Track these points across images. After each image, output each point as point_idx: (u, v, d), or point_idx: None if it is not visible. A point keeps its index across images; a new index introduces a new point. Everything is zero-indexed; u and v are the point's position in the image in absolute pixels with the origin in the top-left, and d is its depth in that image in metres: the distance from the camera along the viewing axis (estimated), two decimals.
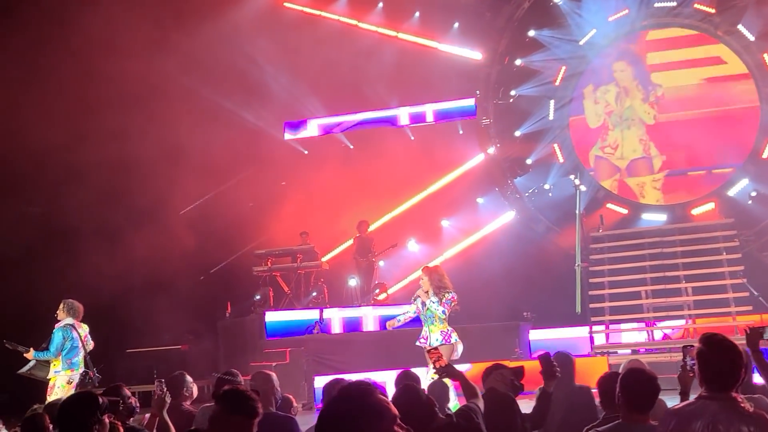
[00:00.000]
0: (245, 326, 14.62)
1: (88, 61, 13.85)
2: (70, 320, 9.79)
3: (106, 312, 14.29)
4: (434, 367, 5.01)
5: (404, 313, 9.62)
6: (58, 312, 9.85)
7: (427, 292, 9.22)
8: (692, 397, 3.71)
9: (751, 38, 15.63)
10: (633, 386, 4.03)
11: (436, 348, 5.00)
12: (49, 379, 9.68)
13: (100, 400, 4.07)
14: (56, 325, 9.80)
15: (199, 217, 15.98)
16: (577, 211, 14.46)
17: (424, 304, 9.21)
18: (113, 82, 14.02)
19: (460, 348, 9.01)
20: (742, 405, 3.47)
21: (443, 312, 9.10)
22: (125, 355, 14.89)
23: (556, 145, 17.12)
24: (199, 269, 15.85)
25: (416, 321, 9.45)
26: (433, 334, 9.06)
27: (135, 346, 15.06)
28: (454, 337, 9.05)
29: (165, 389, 5.50)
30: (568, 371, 6.32)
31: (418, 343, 9.19)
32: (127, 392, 5.47)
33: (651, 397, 4.03)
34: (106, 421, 4.11)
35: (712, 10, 15.88)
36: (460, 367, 5.93)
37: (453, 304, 9.23)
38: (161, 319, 14.53)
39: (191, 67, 15.56)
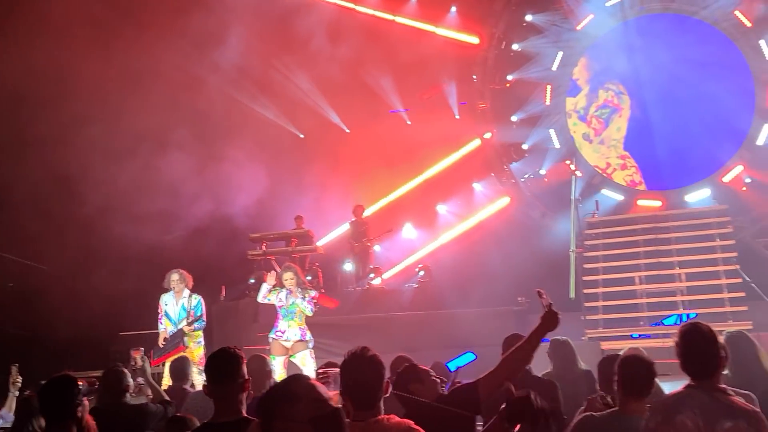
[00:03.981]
0: (239, 310, 14.64)
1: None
2: (187, 291, 9.70)
3: (100, 293, 14.28)
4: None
5: (266, 297, 9.65)
6: (175, 282, 9.64)
7: (295, 289, 9.45)
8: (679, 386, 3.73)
9: (748, 24, 15.59)
10: (629, 373, 4.07)
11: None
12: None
13: (81, 383, 4.16)
14: (179, 294, 9.63)
15: (194, 199, 15.92)
16: (572, 197, 14.45)
17: (286, 298, 9.43)
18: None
19: (311, 345, 9.44)
20: (731, 397, 3.48)
21: (311, 310, 9.44)
22: (118, 339, 14.85)
23: (552, 131, 17.11)
24: (194, 252, 15.81)
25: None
26: (291, 329, 9.34)
27: (130, 329, 15.03)
28: (309, 335, 9.44)
29: (145, 357, 6.05)
30: (569, 356, 6.35)
31: (273, 336, 9.40)
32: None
33: (647, 382, 4.06)
34: (86, 403, 4.21)
35: None
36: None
37: (315, 302, 9.58)
38: (156, 302, 14.50)
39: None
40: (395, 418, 3.13)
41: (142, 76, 14.50)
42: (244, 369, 3.72)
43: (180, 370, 6.47)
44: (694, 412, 3.42)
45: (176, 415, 4.95)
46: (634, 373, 4.06)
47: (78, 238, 14.04)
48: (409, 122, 17.94)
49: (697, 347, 3.63)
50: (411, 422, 3.12)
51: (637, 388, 4.03)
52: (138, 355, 5.93)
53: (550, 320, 4.02)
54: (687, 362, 3.66)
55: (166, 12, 14.77)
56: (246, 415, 3.67)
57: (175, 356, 8.66)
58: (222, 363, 3.71)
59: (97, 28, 13.89)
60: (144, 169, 14.74)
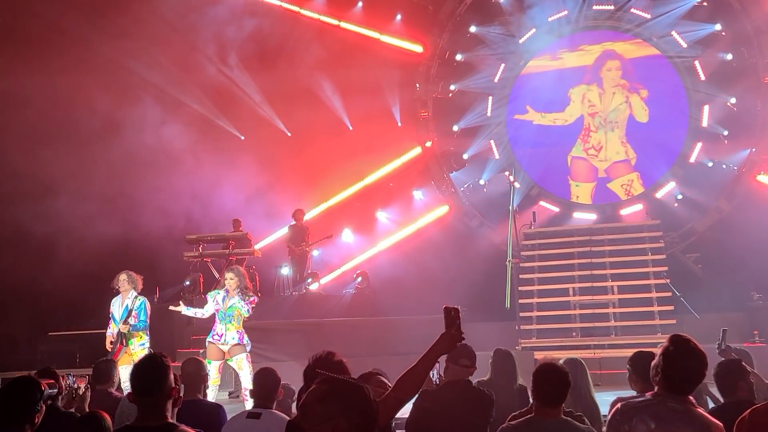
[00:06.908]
0: (174, 312, 14.32)
1: None
2: (134, 292, 9.48)
3: (27, 294, 13.88)
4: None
5: (196, 312, 9.58)
6: (122, 282, 9.47)
7: (234, 290, 9.27)
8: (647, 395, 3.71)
9: (684, 45, 16.03)
10: (543, 382, 4.17)
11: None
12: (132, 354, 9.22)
13: (43, 386, 3.83)
14: (125, 294, 9.43)
15: (133, 204, 15.59)
16: (510, 208, 14.60)
17: (224, 300, 9.27)
18: None
19: (248, 348, 9.28)
20: (697, 409, 3.54)
21: (248, 311, 9.29)
22: (47, 339, 14.43)
23: (492, 142, 17.30)
24: (127, 252, 15.47)
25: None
26: (229, 333, 9.16)
27: (58, 329, 14.61)
28: (246, 338, 9.29)
29: (89, 386, 5.59)
30: (509, 369, 6.27)
31: (211, 340, 9.21)
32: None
33: (561, 391, 4.15)
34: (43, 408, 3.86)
35: (648, 16, 16.26)
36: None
37: (252, 306, 9.39)
38: (87, 303, 14.13)
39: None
40: None
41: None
42: (171, 377, 3.52)
43: (103, 372, 6.20)
44: (665, 422, 3.45)
45: (87, 413, 4.67)
46: (547, 382, 4.16)
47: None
48: (351, 127, 17.90)
49: (689, 364, 3.54)
50: None
51: (550, 396, 4.13)
52: (83, 384, 5.61)
53: (447, 341, 3.57)
54: (671, 376, 3.54)
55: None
56: (171, 420, 3.49)
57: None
58: (147, 374, 3.51)
59: None
60: (80, 163, 14.41)
